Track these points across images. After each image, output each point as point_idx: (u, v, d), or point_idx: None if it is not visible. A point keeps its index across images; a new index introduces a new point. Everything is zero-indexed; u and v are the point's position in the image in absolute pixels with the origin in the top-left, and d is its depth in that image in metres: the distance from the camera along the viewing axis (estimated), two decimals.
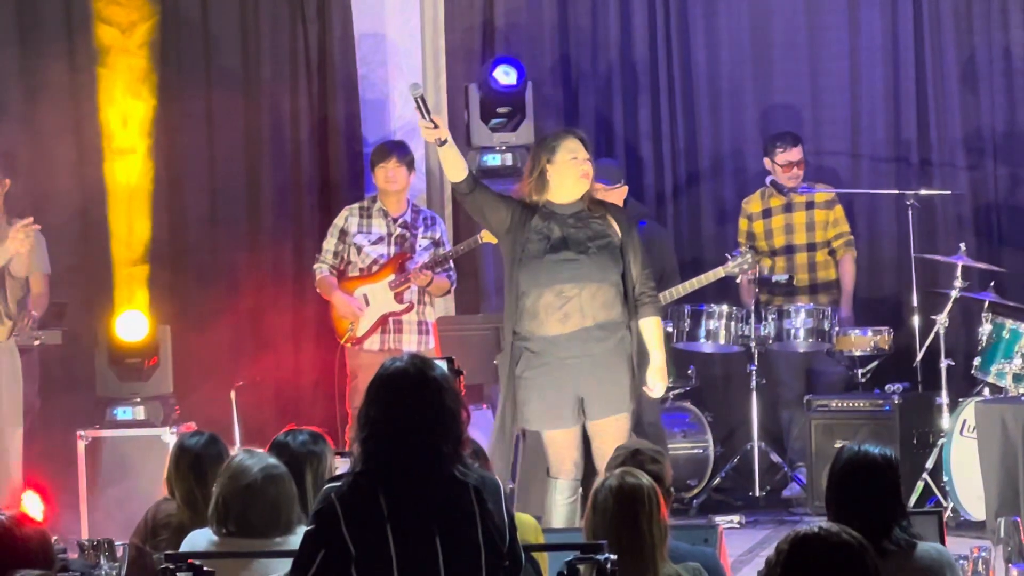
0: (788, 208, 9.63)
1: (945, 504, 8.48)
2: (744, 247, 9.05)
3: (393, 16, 10.32)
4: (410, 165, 9.11)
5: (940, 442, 8.63)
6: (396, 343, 8.96)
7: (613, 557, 4.11)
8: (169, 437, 8.54)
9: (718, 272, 8.65)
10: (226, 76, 10.18)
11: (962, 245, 8.99)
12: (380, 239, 9.06)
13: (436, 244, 9.09)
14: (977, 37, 10.04)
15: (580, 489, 6.88)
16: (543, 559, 4.92)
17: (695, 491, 9.40)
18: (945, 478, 8.48)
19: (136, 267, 8.86)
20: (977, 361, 8.61)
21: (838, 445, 8.54)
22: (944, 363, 8.83)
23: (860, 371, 9.29)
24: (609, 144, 10.22)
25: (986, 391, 8.71)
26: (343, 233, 9.08)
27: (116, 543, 5.25)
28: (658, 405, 8.45)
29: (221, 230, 10.19)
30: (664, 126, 10.31)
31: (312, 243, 9.73)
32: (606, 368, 6.88)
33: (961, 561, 4.80)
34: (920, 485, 8.62)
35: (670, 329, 9.12)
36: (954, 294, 8.82)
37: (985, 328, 8.60)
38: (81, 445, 8.65)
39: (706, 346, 9.32)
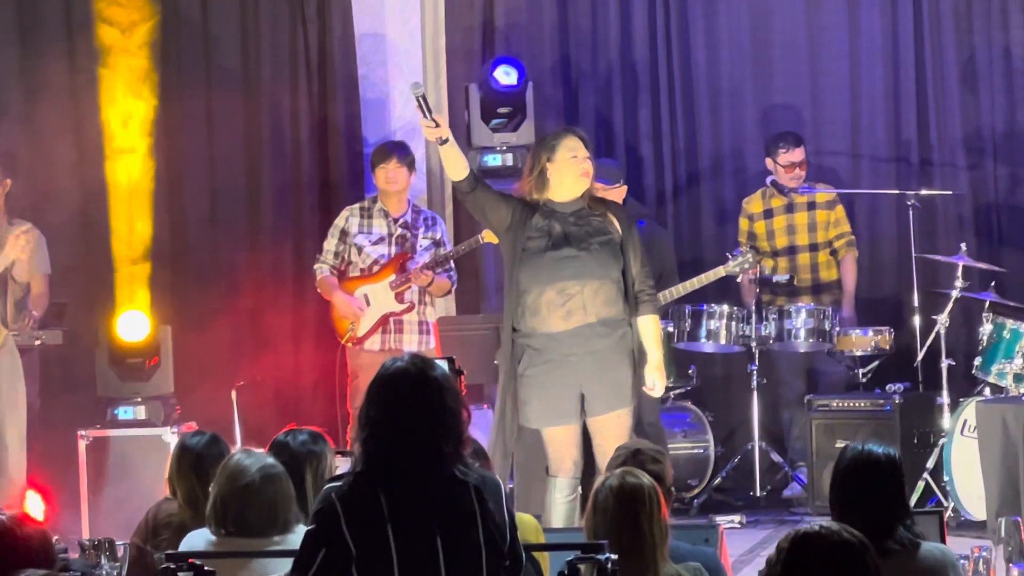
0: (790, 209, 9.63)
1: (946, 504, 8.48)
2: (744, 247, 9.04)
3: (393, 16, 10.32)
4: (411, 165, 9.12)
5: (941, 442, 8.62)
6: (397, 343, 8.96)
7: (614, 557, 4.11)
8: (170, 437, 8.54)
9: (718, 272, 8.65)
10: (226, 76, 10.18)
11: (963, 245, 8.99)
12: (381, 239, 9.06)
13: (437, 244, 9.10)
14: (977, 37, 10.04)
15: (579, 487, 6.88)
16: (543, 559, 4.92)
17: (696, 491, 9.40)
18: (946, 478, 8.48)
19: (137, 267, 8.86)
20: (978, 361, 8.61)
21: (839, 445, 8.59)
22: (945, 363, 8.83)
23: (861, 371, 9.28)
24: (609, 144, 10.22)
25: (987, 391, 8.71)
26: (344, 233, 9.09)
27: (117, 543, 5.26)
28: (658, 405, 8.45)
29: (221, 230, 10.19)
30: (664, 126, 10.31)
31: (312, 243, 9.73)
32: (608, 364, 6.89)
33: (962, 561, 4.80)
34: (921, 485, 8.61)
35: (671, 329, 9.13)
36: (955, 294, 8.82)
37: (986, 328, 8.60)
38: (82, 445, 8.65)
39: (707, 346, 9.32)
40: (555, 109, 10.23)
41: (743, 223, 9.75)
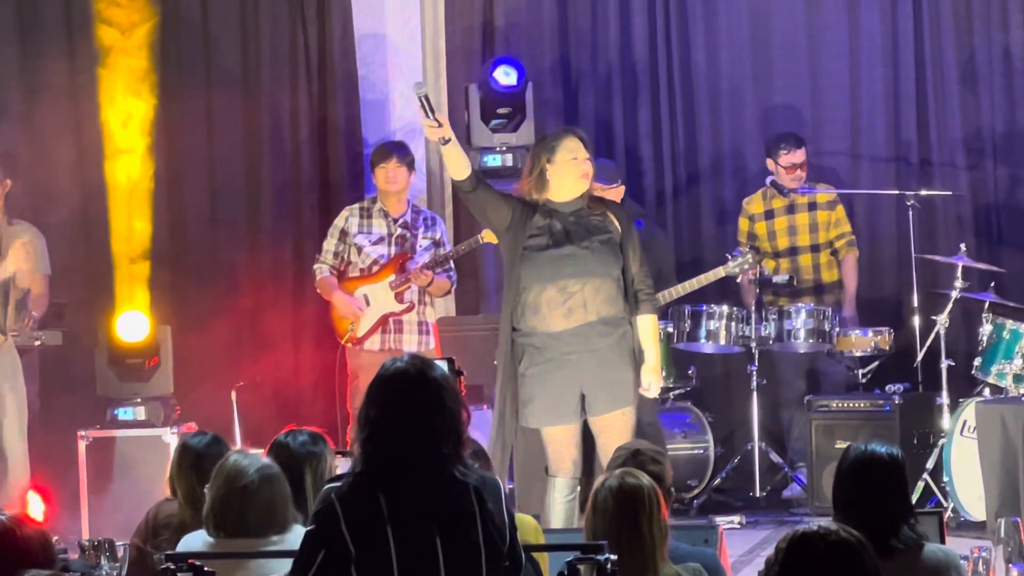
0: (791, 209, 9.63)
1: (945, 504, 8.48)
2: (744, 247, 9.04)
3: (393, 17, 10.32)
4: (410, 165, 9.12)
5: (940, 442, 8.63)
6: (396, 343, 8.96)
7: (613, 557, 4.11)
8: (170, 437, 8.55)
9: (718, 272, 8.65)
10: (226, 76, 10.18)
11: (962, 245, 8.99)
12: (380, 239, 9.07)
13: (436, 244, 9.10)
14: (977, 38, 10.04)
15: (579, 487, 6.88)
16: (543, 559, 4.92)
17: (695, 491, 9.40)
18: (945, 478, 8.48)
19: (136, 267, 8.86)
20: (977, 361, 8.62)
21: (838, 446, 8.62)
22: (944, 363, 8.83)
23: (861, 371, 9.28)
24: (609, 144, 10.22)
25: (986, 391, 8.71)
26: (343, 233, 9.09)
27: (117, 543, 5.26)
28: (656, 405, 8.45)
29: (221, 230, 10.19)
30: (664, 126, 10.31)
31: (312, 243, 9.72)
32: (609, 363, 6.89)
33: (961, 561, 4.80)
34: (920, 485, 8.61)
35: (671, 329, 9.13)
36: (954, 294, 8.82)
37: (985, 328, 8.61)
38: (82, 445, 8.65)
39: (706, 346, 9.32)
40: (555, 109, 10.23)
41: (743, 223, 9.75)
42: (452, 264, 9.08)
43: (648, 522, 4.53)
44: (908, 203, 9.32)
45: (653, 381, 6.99)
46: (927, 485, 8.66)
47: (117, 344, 8.74)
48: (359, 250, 9.05)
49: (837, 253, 9.63)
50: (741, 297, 9.46)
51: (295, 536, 4.65)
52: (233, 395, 8.92)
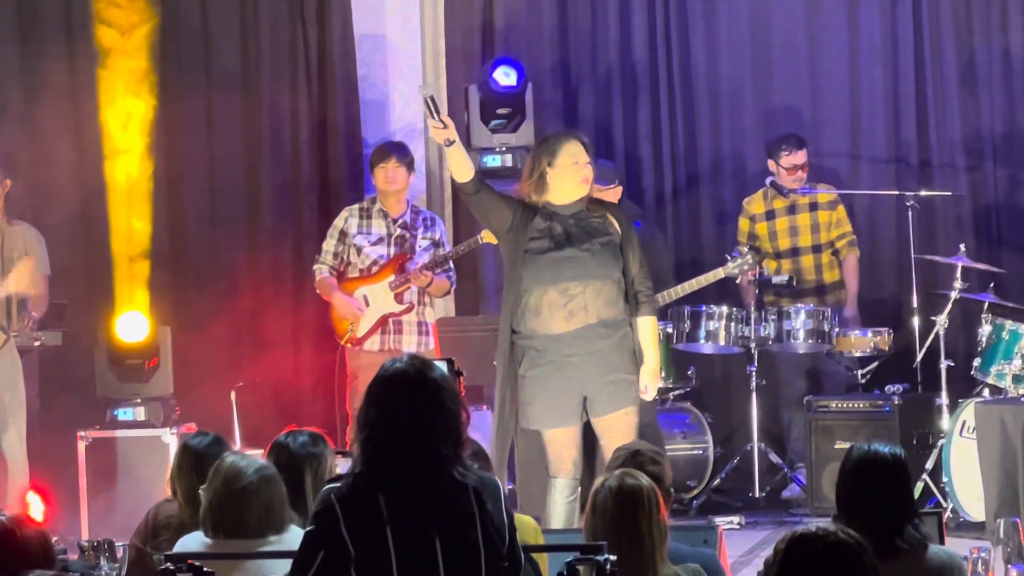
0: (792, 210, 9.63)
1: (945, 505, 8.49)
2: (744, 248, 9.03)
3: (393, 17, 10.32)
4: (410, 166, 9.12)
5: (940, 443, 8.63)
6: (396, 344, 8.96)
7: (613, 558, 4.11)
8: (169, 438, 8.55)
9: (718, 273, 8.65)
10: (226, 77, 10.18)
11: (962, 246, 8.99)
12: (380, 240, 9.07)
13: (436, 245, 9.10)
14: (976, 39, 10.04)
15: (579, 489, 6.88)
16: (543, 560, 4.92)
17: (695, 492, 9.40)
18: (945, 479, 8.48)
19: (136, 267, 8.86)
20: (977, 362, 8.62)
21: (838, 446, 8.63)
22: (944, 364, 8.84)
23: (860, 372, 9.29)
24: (608, 145, 10.22)
25: (986, 392, 8.71)
26: (343, 234, 9.09)
27: (116, 544, 5.26)
28: (655, 406, 8.45)
29: (220, 230, 10.19)
30: (664, 127, 10.31)
31: (312, 244, 9.72)
32: (611, 365, 6.89)
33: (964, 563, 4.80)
34: (920, 486, 8.61)
35: (670, 330, 9.13)
36: (954, 295, 8.83)
37: (985, 329, 8.61)
38: (81, 446, 8.66)
39: (706, 347, 9.33)
40: (554, 110, 10.24)
41: (744, 223, 9.75)
42: (451, 264, 9.08)
43: (647, 523, 4.53)
44: (908, 204, 9.32)
45: (651, 384, 6.99)
46: (926, 486, 8.66)
47: (117, 344, 8.74)
48: (358, 251, 9.06)
49: (838, 253, 9.63)
50: (741, 298, 9.46)
51: (293, 537, 4.66)
52: (233, 395, 8.92)
